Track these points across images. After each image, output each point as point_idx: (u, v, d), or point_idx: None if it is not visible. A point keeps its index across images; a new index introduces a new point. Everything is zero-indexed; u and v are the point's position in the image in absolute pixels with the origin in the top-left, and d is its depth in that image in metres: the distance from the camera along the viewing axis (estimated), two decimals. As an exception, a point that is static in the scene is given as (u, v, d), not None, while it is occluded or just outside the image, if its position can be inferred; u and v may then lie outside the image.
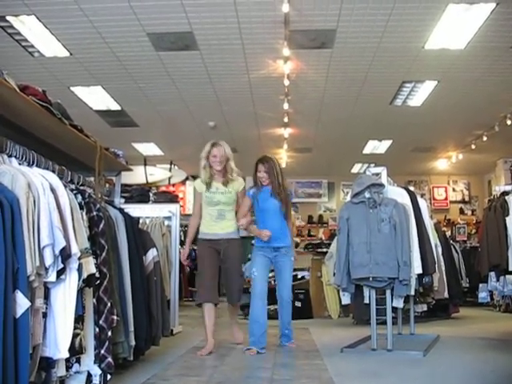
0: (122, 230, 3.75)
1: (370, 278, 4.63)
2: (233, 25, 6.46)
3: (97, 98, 8.98)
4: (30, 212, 2.44)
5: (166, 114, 9.83)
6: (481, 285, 6.69)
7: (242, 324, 5.38)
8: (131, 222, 3.96)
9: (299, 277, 8.34)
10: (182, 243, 6.56)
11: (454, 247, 8.57)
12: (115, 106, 9.41)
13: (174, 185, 10.44)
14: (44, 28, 6.44)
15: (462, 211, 15.00)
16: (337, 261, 4.89)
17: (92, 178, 3.81)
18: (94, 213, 3.19)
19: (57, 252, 2.51)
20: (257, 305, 4.79)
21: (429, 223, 5.56)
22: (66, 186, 2.89)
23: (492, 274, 5.36)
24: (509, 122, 9.43)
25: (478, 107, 9.17)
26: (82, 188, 3.34)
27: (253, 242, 5.22)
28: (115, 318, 3.21)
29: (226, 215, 4.87)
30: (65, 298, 2.63)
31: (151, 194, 6.97)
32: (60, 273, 2.56)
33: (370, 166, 5.92)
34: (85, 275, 2.76)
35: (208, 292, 4.72)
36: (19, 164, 2.77)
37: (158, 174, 9.26)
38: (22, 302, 2.30)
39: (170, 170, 10.10)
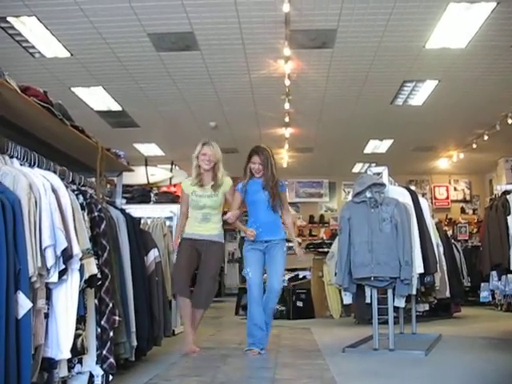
0: (123, 230, 3.75)
1: (372, 278, 4.62)
2: (233, 25, 6.46)
3: (98, 98, 8.99)
4: (31, 213, 2.44)
5: (167, 114, 9.83)
6: (482, 284, 6.69)
7: (243, 324, 5.35)
8: (132, 223, 3.96)
9: (301, 276, 8.35)
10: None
11: (456, 246, 8.57)
12: (116, 107, 9.41)
13: (175, 185, 10.42)
14: (45, 29, 6.45)
15: (463, 210, 14.99)
16: (338, 260, 4.89)
17: (93, 179, 3.81)
18: (96, 213, 3.19)
19: (58, 253, 2.51)
20: (255, 309, 4.67)
21: (430, 222, 5.56)
22: (67, 187, 2.89)
23: (494, 273, 5.36)
24: (510, 121, 9.42)
25: (479, 106, 9.17)
26: (83, 189, 3.34)
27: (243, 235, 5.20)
28: (117, 318, 3.21)
29: (211, 218, 4.79)
30: (66, 298, 2.63)
31: (152, 195, 6.97)
32: (62, 273, 2.56)
33: (371, 166, 5.93)
34: (86, 276, 2.76)
35: (181, 290, 4.64)
36: (20, 165, 2.77)
37: (159, 174, 9.24)
38: (23, 303, 2.30)
39: (171, 170, 10.06)
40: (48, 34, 6.59)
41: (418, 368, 4.00)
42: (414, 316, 5.72)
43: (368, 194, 4.79)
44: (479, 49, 6.99)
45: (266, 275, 4.88)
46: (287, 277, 7.86)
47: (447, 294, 6.23)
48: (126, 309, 3.53)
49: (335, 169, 14.36)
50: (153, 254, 4.22)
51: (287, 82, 7.92)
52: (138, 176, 7.90)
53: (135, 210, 4.75)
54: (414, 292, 4.84)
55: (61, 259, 2.53)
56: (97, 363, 3.00)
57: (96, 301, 3.05)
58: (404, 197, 5.06)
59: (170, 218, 6.13)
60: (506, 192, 5.38)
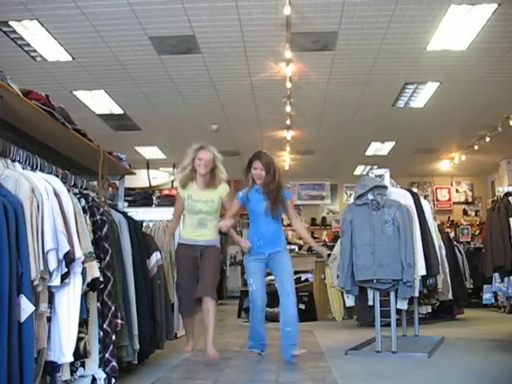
0: (125, 233, 3.75)
1: (374, 280, 4.62)
2: (235, 28, 6.47)
3: (99, 102, 8.99)
4: (33, 216, 2.45)
5: (169, 117, 9.83)
6: (485, 286, 6.69)
7: (246, 327, 5.34)
8: (135, 226, 3.97)
9: (303, 279, 8.34)
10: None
11: (458, 248, 8.56)
12: (118, 110, 9.42)
13: (176, 188, 10.45)
14: (46, 33, 6.45)
15: (465, 212, 14.97)
16: (340, 263, 4.89)
17: (95, 182, 3.82)
18: (98, 217, 3.20)
19: (61, 256, 2.52)
20: (256, 318, 4.62)
21: (432, 224, 5.56)
22: (69, 191, 2.90)
23: (496, 275, 5.35)
24: (511, 123, 9.42)
25: (481, 108, 9.16)
26: (85, 192, 3.35)
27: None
28: (119, 321, 3.22)
29: (207, 224, 4.64)
30: (69, 302, 2.64)
31: (154, 198, 6.97)
32: (64, 277, 2.57)
33: (373, 168, 5.92)
34: (89, 279, 2.76)
35: (189, 308, 4.62)
36: (23, 168, 2.78)
37: (160, 177, 9.28)
38: (26, 307, 2.31)
39: (173, 173, 10.10)
40: (50, 38, 6.60)
41: (421, 370, 3.99)
42: (416, 318, 5.71)
43: (370, 197, 4.78)
44: (480, 51, 6.99)
45: (268, 278, 4.86)
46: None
47: (450, 296, 6.22)
48: (128, 312, 3.53)
49: (337, 171, 14.36)
50: (155, 258, 4.23)
51: (288, 85, 7.92)
52: (139, 179, 7.93)
53: (137, 214, 4.77)
54: (417, 294, 4.84)
55: (63, 263, 2.54)
56: (99, 366, 3.00)
57: (98, 304, 3.06)
58: (406, 199, 5.06)
59: (172, 221, 6.12)
60: (508, 194, 5.38)
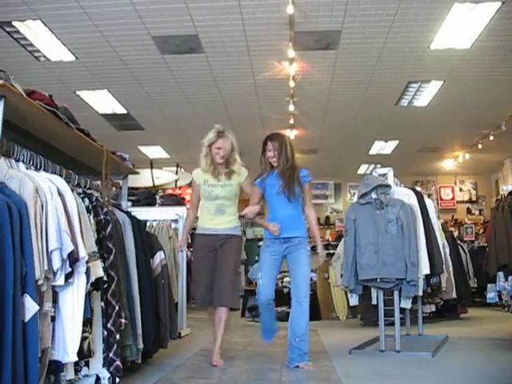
0: (129, 233, 3.75)
1: (378, 279, 4.62)
2: (238, 27, 6.47)
3: (103, 101, 9.01)
4: (37, 216, 2.45)
5: (172, 116, 9.84)
6: (489, 285, 6.67)
7: (252, 326, 5.34)
8: (138, 226, 3.97)
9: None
10: (189, 246, 6.57)
11: (462, 247, 8.55)
12: (121, 110, 9.43)
13: (180, 187, 10.44)
14: (50, 33, 6.47)
15: (469, 211, 14.94)
16: (344, 262, 4.88)
17: (99, 182, 3.82)
18: (102, 216, 3.20)
19: (65, 256, 2.52)
20: (266, 315, 4.36)
21: (436, 223, 5.55)
22: (73, 190, 2.90)
23: (500, 274, 5.34)
24: (515, 121, 9.40)
25: (485, 107, 9.14)
26: (89, 192, 3.35)
27: (260, 243, 5.07)
28: (123, 321, 3.22)
29: (225, 210, 4.41)
30: (73, 301, 2.64)
31: (158, 197, 6.98)
32: (68, 276, 2.57)
33: (377, 167, 5.90)
34: (93, 279, 2.77)
35: (204, 300, 4.34)
36: (26, 168, 2.79)
37: (164, 176, 9.26)
38: (30, 306, 2.31)
39: (177, 172, 10.09)
40: (53, 38, 6.61)
41: (425, 369, 3.99)
42: (420, 317, 5.71)
43: (373, 196, 4.78)
44: (484, 49, 6.97)
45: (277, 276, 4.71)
46: (287, 279, 7.85)
47: (453, 295, 6.22)
48: (132, 311, 3.53)
49: (340, 170, 14.34)
50: (159, 257, 4.23)
51: (292, 84, 7.92)
52: (143, 179, 7.92)
53: (141, 213, 4.77)
54: (421, 293, 4.84)
55: (67, 262, 2.54)
56: (103, 366, 3.01)
57: (102, 303, 3.06)
58: (409, 198, 5.05)
59: (176, 221, 6.14)
60: (512, 192, 5.37)
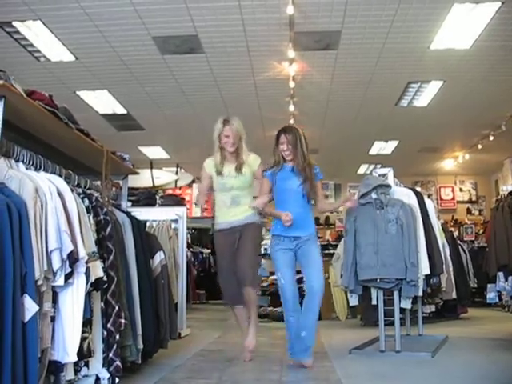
0: (129, 233, 3.75)
1: (378, 280, 4.62)
2: (238, 27, 6.47)
3: (103, 102, 9.02)
4: (37, 216, 2.45)
5: (172, 117, 9.85)
6: (489, 285, 6.67)
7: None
8: (138, 226, 3.97)
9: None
10: (189, 246, 6.57)
11: (462, 247, 8.55)
12: (121, 110, 9.44)
13: (180, 188, 10.45)
14: (50, 33, 6.47)
15: (469, 211, 14.94)
16: (344, 262, 4.88)
17: (99, 182, 3.82)
18: (101, 216, 3.20)
19: (64, 256, 2.52)
20: (292, 318, 4.12)
21: (436, 223, 5.55)
22: (72, 190, 2.90)
23: (500, 274, 5.34)
24: (515, 122, 9.41)
25: (485, 107, 9.14)
26: (88, 192, 3.35)
27: (262, 242, 4.96)
28: (123, 321, 3.22)
29: (240, 201, 4.36)
30: (73, 301, 2.64)
31: (158, 198, 6.98)
32: (68, 277, 2.57)
33: (377, 167, 5.90)
34: (92, 279, 2.76)
35: (232, 297, 4.39)
36: (26, 169, 2.79)
37: (164, 177, 9.27)
38: (30, 306, 2.31)
39: (177, 173, 10.10)
40: (53, 38, 6.62)
41: (425, 369, 3.99)
42: (420, 317, 5.70)
43: (373, 196, 4.78)
44: (484, 49, 6.98)
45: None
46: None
47: (453, 295, 6.22)
48: (132, 312, 3.53)
49: (340, 170, 14.34)
50: (158, 257, 4.23)
51: (292, 84, 7.93)
52: (143, 179, 7.93)
53: (141, 213, 4.76)
54: (421, 293, 4.83)
55: (67, 262, 2.54)
56: (103, 366, 3.00)
57: (102, 304, 3.06)
58: (409, 198, 5.05)
59: (176, 221, 6.14)
60: (512, 192, 5.37)
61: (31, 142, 3.19)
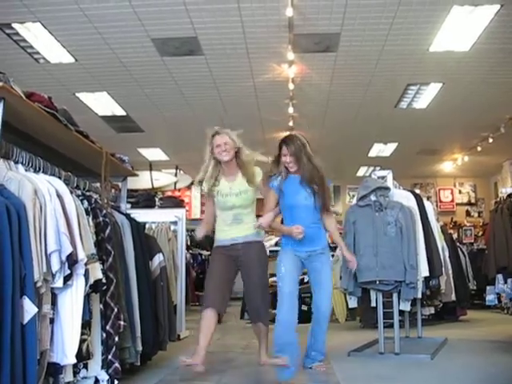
0: (128, 235, 3.75)
1: (377, 282, 4.61)
2: (237, 29, 6.47)
3: (102, 103, 9.01)
4: (36, 218, 2.45)
5: (171, 119, 9.85)
6: (488, 287, 6.66)
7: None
8: (137, 228, 3.97)
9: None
10: (188, 248, 6.57)
11: (461, 250, 8.54)
12: (120, 112, 9.43)
13: (179, 190, 10.45)
14: (49, 35, 6.47)
15: (468, 213, 14.94)
16: (343, 264, 4.88)
17: (98, 184, 3.82)
18: (101, 218, 3.20)
19: (63, 258, 2.52)
20: (286, 309, 3.82)
21: (435, 226, 5.55)
22: (72, 192, 2.90)
23: (499, 276, 5.33)
24: (514, 124, 9.42)
25: (484, 109, 9.15)
26: (88, 194, 3.35)
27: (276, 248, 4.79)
28: (122, 323, 3.22)
29: (243, 219, 4.01)
30: (72, 303, 2.64)
31: (157, 199, 6.99)
32: (67, 279, 2.57)
33: (376, 170, 5.91)
34: (91, 281, 2.77)
35: (210, 297, 3.85)
36: (25, 170, 2.79)
37: (163, 179, 9.26)
38: (29, 308, 2.31)
39: (176, 174, 10.10)
40: (52, 40, 6.62)
41: (424, 372, 3.98)
42: (419, 320, 5.70)
43: (373, 198, 4.78)
44: (483, 51, 6.98)
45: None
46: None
47: (453, 297, 6.22)
48: (131, 314, 3.53)
49: (340, 172, 14.33)
50: (158, 259, 4.23)
51: (291, 86, 7.93)
52: (142, 181, 7.93)
53: (140, 215, 4.76)
54: (420, 296, 4.83)
55: (66, 264, 2.54)
56: (102, 368, 3.00)
57: (101, 306, 3.06)
58: (408, 200, 5.05)
59: (175, 223, 6.13)
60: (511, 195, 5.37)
61: (30, 144, 3.19)
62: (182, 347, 5.08)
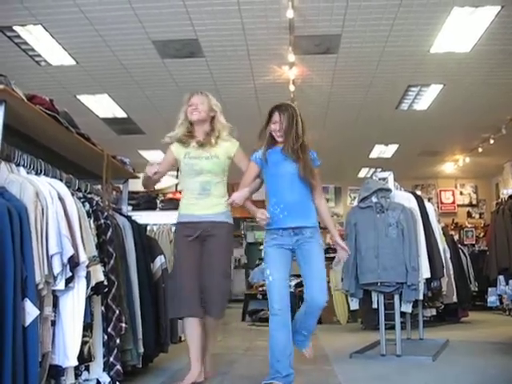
0: (129, 237, 3.76)
1: (378, 283, 4.61)
2: (238, 31, 6.48)
3: (103, 105, 9.02)
4: (38, 221, 2.46)
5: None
6: (490, 289, 6.66)
7: (252, 330, 5.31)
8: (139, 230, 3.98)
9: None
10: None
11: (462, 251, 8.54)
12: (121, 114, 9.44)
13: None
14: (50, 37, 6.48)
15: (469, 215, 14.93)
16: (344, 266, 4.88)
17: (99, 186, 3.82)
18: (102, 221, 3.20)
19: (65, 260, 2.53)
20: (278, 333, 3.36)
21: (436, 227, 5.55)
22: (73, 195, 2.91)
23: (501, 277, 5.33)
24: (516, 125, 9.41)
25: (485, 110, 9.14)
26: (89, 196, 3.36)
27: (261, 247, 4.81)
28: (123, 325, 3.22)
29: (211, 189, 3.61)
30: (73, 305, 2.64)
31: (158, 201, 6.98)
32: (68, 281, 2.57)
33: (377, 171, 5.91)
34: (93, 283, 2.77)
35: (185, 304, 3.48)
36: (27, 173, 2.79)
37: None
38: (30, 311, 2.31)
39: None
40: (54, 43, 6.63)
41: (426, 373, 3.98)
42: (421, 321, 5.69)
43: (374, 199, 4.78)
44: (484, 52, 6.98)
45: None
46: (293, 282, 7.84)
47: (454, 298, 6.21)
48: (132, 316, 3.53)
49: (341, 174, 14.34)
50: (159, 261, 4.23)
51: (292, 88, 7.93)
52: (143, 183, 7.93)
53: (141, 217, 4.77)
54: (421, 297, 4.83)
55: (67, 267, 2.55)
56: (104, 370, 3.01)
57: (103, 308, 3.06)
58: (410, 202, 5.05)
59: (176, 225, 6.12)
60: (513, 196, 5.36)
61: (32, 147, 3.20)
62: (184, 349, 5.07)
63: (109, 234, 3.22)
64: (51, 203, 2.58)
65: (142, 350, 3.63)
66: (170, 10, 5.99)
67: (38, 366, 2.35)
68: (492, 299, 6.83)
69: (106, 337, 3.05)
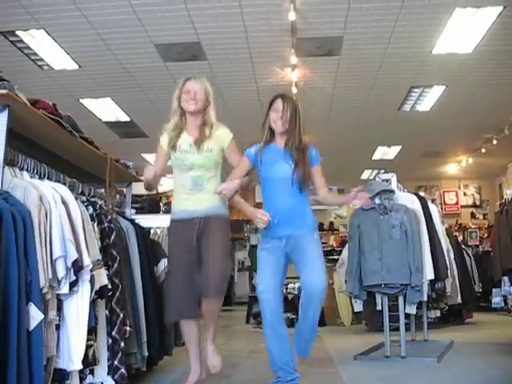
0: (133, 240, 3.76)
1: (382, 285, 4.61)
2: (240, 34, 6.49)
3: (106, 109, 9.04)
4: (42, 225, 2.46)
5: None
6: (494, 290, 6.64)
7: (256, 333, 5.30)
8: (142, 233, 3.98)
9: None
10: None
11: (466, 252, 8.52)
12: (124, 118, 9.46)
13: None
14: (53, 41, 6.51)
15: (473, 215, 14.90)
16: (348, 268, 4.88)
17: (103, 190, 3.83)
18: (106, 224, 3.20)
19: (69, 264, 2.53)
20: (272, 341, 3.25)
21: (440, 228, 5.54)
22: (77, 198, 2.91)
23: (505, 278, 5.31)
24: (518, 125, 9.40)
25: (487, 111, 9.14)
26: (92, 200, 3.36)
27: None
28: (128, 328, 3.22)
29: (204, 185, 3.40)
30: (77, 309, 2.64)
31: (161, 204, 6.98)
32: (72, 285, 2.57)
33: (380, 173, 5.90)
34: (97, 287, 2.77)
35: (178, 307, 3.35)
36: (31, 177, 2.80)
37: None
38: (35, 315, 2.32)
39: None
40: (56, 47, 6.65)
41: (431, 375, 3.97)
42: (425, 323, 5.68)
43: (377, 201, 4.78)
44: (486, 53, 6.98)
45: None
46: (297, 285, 7.84)
47: (458, 299, 6.20)
48: (136, 319, 3.53)
49: (344, 176, 14.30)
50: (163, 264, 4.22)
51: (294, 90, 7.93)
52: (146, 186, 7.94)
53: (145, 220, 4.77)
54: (425, 298, 4.82)
55: (71, 270, 2.55)
56: (108, 374, 3.00)
57: (107, 311, 3.06)
58: (413, 203, 5.05)
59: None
60: (516, 196, 5.35)
61: (35, 151, 3.20)
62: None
63: (112, 237, 3.22)
64: (55, 207, 2.58)
65: (146, 353, 3.63)
66: (172, 14, 6.01)
67: (42, 370, 2.36)
68: (496, 300, 6.81)
69: (110, 340, 3.05)
